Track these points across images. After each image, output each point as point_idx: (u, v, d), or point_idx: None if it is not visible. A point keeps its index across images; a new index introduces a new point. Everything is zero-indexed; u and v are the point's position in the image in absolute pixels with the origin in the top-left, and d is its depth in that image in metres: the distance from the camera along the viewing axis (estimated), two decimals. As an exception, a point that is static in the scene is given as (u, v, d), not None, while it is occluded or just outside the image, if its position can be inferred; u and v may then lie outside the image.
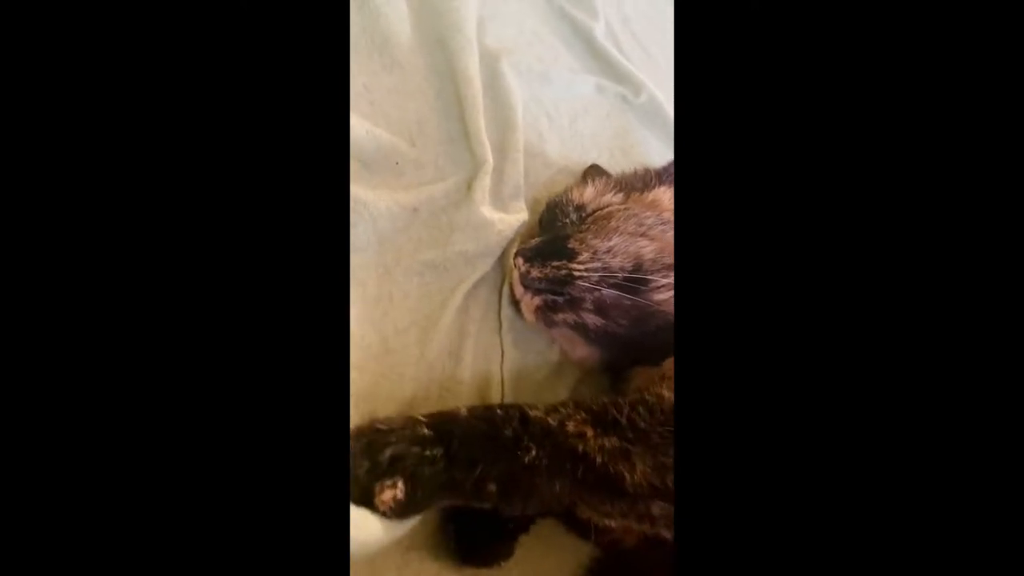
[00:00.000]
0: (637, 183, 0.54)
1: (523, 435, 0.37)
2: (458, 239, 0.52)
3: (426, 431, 0.36)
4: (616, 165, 0.69)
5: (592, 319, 0.50)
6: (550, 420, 0.38)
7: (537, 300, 0.50)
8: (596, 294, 0.48)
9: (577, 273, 0.48)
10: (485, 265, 0.54)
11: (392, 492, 0.34)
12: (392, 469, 0.34)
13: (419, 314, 0.49)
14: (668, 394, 0.41)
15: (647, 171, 0.57)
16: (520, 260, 0.51)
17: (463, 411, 0.38)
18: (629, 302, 0.48)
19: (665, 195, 0.52)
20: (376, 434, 0.35)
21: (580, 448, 0.37)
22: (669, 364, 0.50)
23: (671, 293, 0.49)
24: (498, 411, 0.39)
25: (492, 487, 0.36)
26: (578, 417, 0.39)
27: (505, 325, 0.55)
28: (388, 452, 0.34)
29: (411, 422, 0.37)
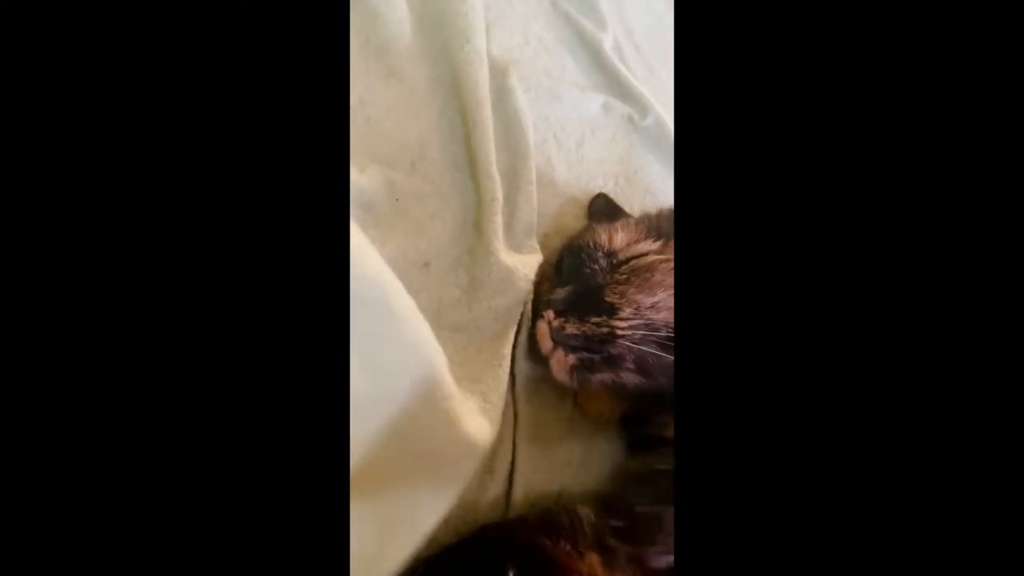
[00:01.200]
0: (671, 228, 0.50)
1: None
2: (483, 295, 0.45)
3: None
4: (620, 193, 0.65)
5: (631, 379, 0.45)
6: None
7: (572, 359, 0.45)
8: (637, 352, 0.44)
9: (620, 331, 0.43)
10: (515, 315, 0.47)
11: None
12: None
13: (470, 380, 0.42)
14: None
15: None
16: (551, 313, 0.45)
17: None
18: (671, 360, 0.44)
19: (708, 243, 0.48)
20: None
21: None
22: None
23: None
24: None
25: None
26: None
27: (519, 381, 0.49)
28: None
29: None
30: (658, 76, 0.71)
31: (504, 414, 0.49)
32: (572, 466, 0.52)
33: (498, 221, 0.48)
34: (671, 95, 0.69)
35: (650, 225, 0.50)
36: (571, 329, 0.44)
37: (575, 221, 0.60)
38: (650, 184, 0.66)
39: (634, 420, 0.52)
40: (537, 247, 0.52)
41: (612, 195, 0.63)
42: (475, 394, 0.41)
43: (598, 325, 0.44)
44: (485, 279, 0.45)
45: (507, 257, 0.47)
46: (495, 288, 0.45)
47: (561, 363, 0.46)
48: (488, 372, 0.42)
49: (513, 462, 0.49)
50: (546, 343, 0.46)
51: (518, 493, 0.49)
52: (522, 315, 0.50)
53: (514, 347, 0.51)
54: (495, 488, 0.48)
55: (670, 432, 0.48)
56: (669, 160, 0.68)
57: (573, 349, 0.45)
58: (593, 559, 0.42)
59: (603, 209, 0.61)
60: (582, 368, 0.45)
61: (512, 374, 0.50)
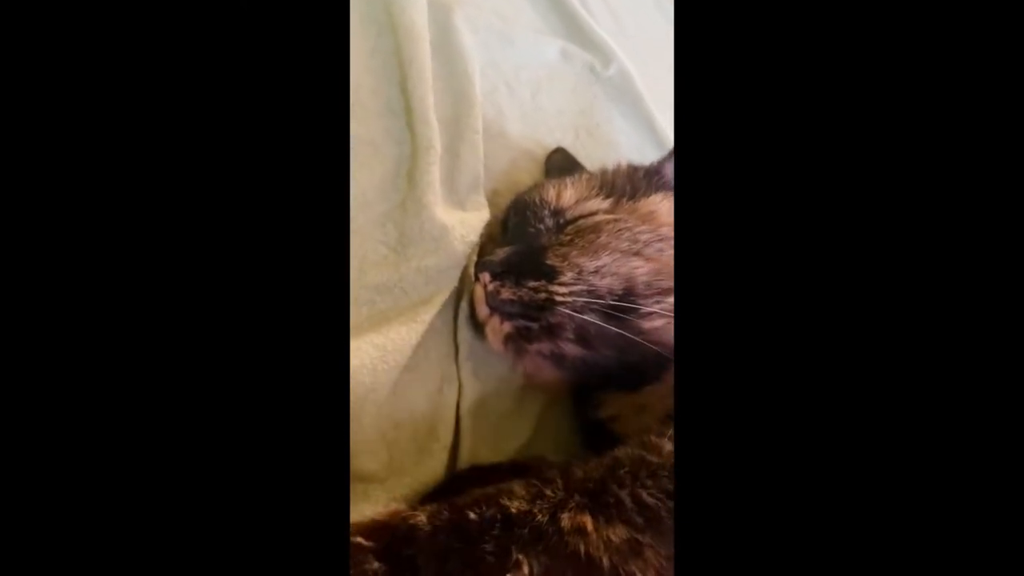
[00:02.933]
0: (626, 186, 0.45)
1: (509, 545, 0.28)
2: (413, 253, 0.41)
3: (376, 565, 0.26)
4: (582, 149, 0.60)
5: (572, 349, 0.41)
6: (538, 514, 0.29)
7: (507, 326, 0.41)
8: (578, 321, 0.40)
9: (559, 297, 0.40)
10: (451, 279, 0.43)
11: None
12: None
13: (372, 353, 0.38)
14: (669, 446, 0.34)
15: (634, 170, 0.48)
16: (487, 275, 0.41)
17: (422, 520, 0.29)
18: (615, 331, 0.40)
19: (662, 206, 0.43)
20: None
21: (582, 549, 0.29)
22: (650, 392, 0.44)
23: (663, 321, 0.41)
24: (471, 514, 0.29)
25: None
26: (572, 503, 0.30)
27: (463, 351, 0.46)
28: None
29: (358, 553, 0.27)
30: (622, 24, 0.65)
31: (445, 386, 0.45)
32: (520, 441, 0.49)
33: (434, 172, 0.43)
34: (636, 45, 0.64)
35: (603, 181, 0.46)
36: (507, 294, 0.40)
37: (530, 177, 0.55)
38: (613, 139, 0.62)
39: (580, 397, 0.49)
40: (484, 203, 0.48)
41: (572, 150, 0.59)
42: (375, 348, 0.37)
43: (536, 290, 0.40)
44: (415, 236, 0.41)
45: (443, 214, 0.43)
46: (426, 247, 0.41)
47: (496, 331, 0.42)
48: (399, 328, 0.39)
49: (457, 436, 0.46)
50: (482, 309, 0.42)
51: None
52: (463, 280, 0.46)
53: (455, 314, 0.47)
54: (435, 461, 0.45)
55: (617, 422, 0.45)
56: (634, 114, 0.63)
57: (510, 316, 0.41)
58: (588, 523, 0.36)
59: (561, 165, 0.57)
60: (518, 337, 0.41)
61: (456, 344, 0.47)
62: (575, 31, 0.60)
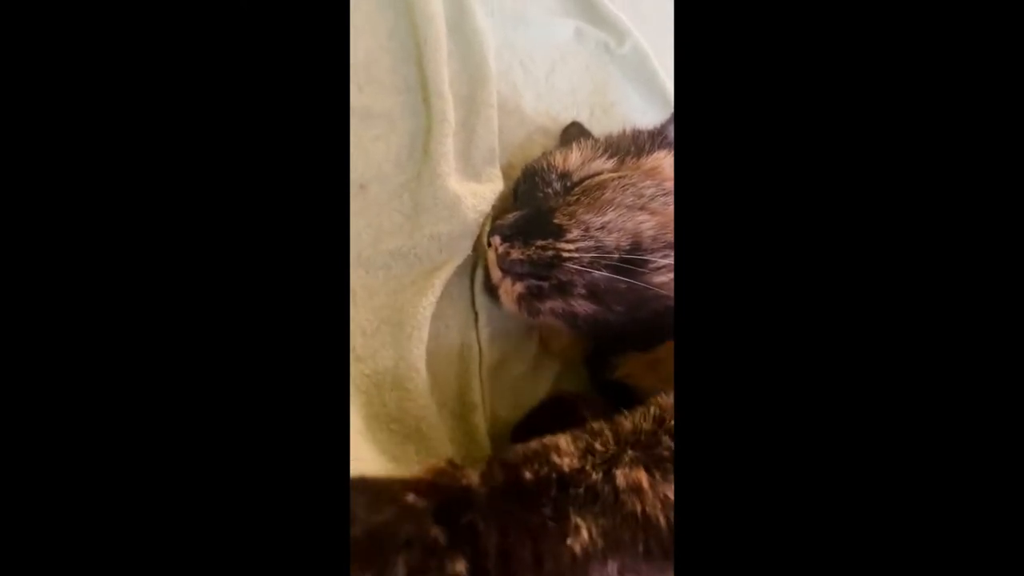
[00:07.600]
0: (630, 147, 0.46)
1: (566, 507, 0.27)
2: (426, 221, 0.43)
3: (437, 532, 0.26)
4: (596, 124, 0.61)
5: (583, 306, 0.42)
6: (591, 472, 0.28)
7: (519, 287, 0.43)
8: (588, 277, 0.41)
9: (566, 254, 0.41)
10: (464, 248, 0.45)
11: None
12: None
13: (389, 312, 0.40)
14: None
15: (639, 132, 0.49)
16: (497, 239, 0.43)
17: (475, 481, 0.28)
18: (625, 286, 0.41)
19: (666, 161, 0.44)
20: (375, 542, 0.25)
21: (639, 509, 0.27)
22: (662, 348, 0.44)
23: (672, 275, 0.42)
24: (526, 473, 0.28)
25: None
26: (627, 458, 0.28)
27: (482, 318, 0.47)
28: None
29: (413, 515, 0.26)
30: (637, 1, 0.66)
31: (466, 352, 0.47)
32: (537, 402, 0.50)
33: (448, 144, 0.45)
34: (649, 21, 0.65)
35: (608, 144, 0.47)
36: (516, 254, 0.42)
37: (544, 153, 0.57)
38: (628, 116, 0.62)
39: (595, 360, 0.50)
40: (498, 175, 0.50)
41: (587, 127, 0.60)
42: (391, 324, 0.39)
43: (543, 248, 0.41)
44: (428, 204, 0.43)
45: (456, 184, 0.45)
46: (439, 215, 0.43)
47: (509, 292, 0.43)
48: (412, 301, 0.41)
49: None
50: (495, 272, 0.44)
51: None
52: (478, 250, 0.48)
53: (472, 282, 0.49)
54: (464, 423, 0.47)
55: (631, 378, 0.46)
56: (649, 91, 0.64)
57: (520, 276, 0.43)
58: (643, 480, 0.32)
59: (576, 138, 0.58)
60: (530, 296, 0.43)
61: (475, 312, 0.49)
62: (589, 10, 0.62)
